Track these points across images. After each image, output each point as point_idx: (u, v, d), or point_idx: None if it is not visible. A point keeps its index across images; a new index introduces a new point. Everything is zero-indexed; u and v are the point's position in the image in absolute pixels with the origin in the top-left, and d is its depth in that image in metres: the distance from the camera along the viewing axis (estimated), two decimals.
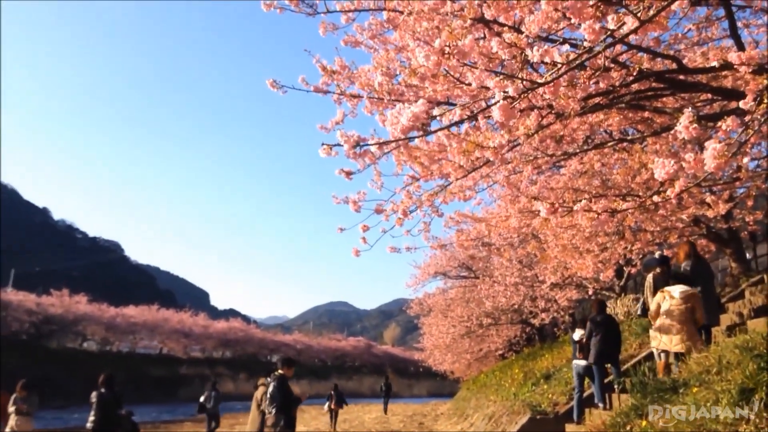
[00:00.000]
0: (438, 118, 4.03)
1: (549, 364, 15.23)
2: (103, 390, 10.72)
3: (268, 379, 9.08)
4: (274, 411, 8.46)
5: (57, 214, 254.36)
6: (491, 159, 4.77)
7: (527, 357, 20.89)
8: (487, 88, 3.77)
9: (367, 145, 4.02)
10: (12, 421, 11.26)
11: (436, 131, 4.15)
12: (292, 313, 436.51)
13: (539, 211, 5.38)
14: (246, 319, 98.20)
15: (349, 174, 4.72)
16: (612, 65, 4.44)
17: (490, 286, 20.58)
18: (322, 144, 4.12)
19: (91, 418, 10.62)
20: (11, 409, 11.34)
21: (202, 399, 18.32)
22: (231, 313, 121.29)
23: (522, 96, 3.49)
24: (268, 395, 8.62)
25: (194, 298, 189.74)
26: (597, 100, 4.93)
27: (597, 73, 4.00)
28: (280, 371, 8.91)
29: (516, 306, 21.57)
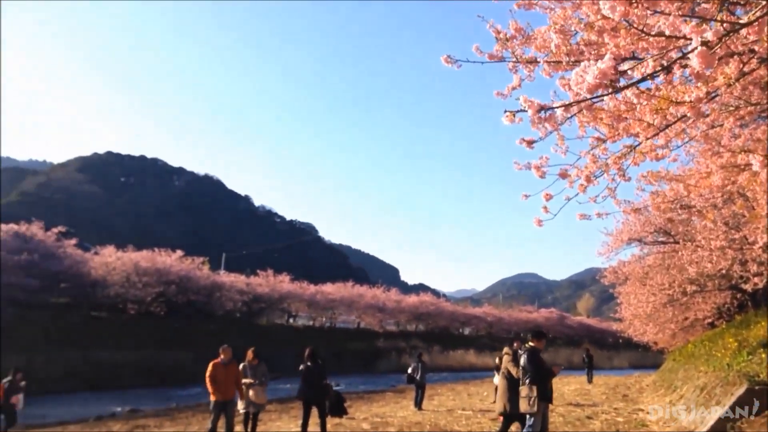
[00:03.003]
0: (629, 71, 3.79)
1: (766, 331, 13.97)
2: (309, 363, 11.55)
3: (520, 351, 9.25)
4: (528, 382, 8.63)
5: (257, 201, 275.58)
6: (687, 114, 4.41)
7: (740, 325, 19.34)
8: (679, 37, 3.49)
9: (552, 108, 3.87)
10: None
11: (625, 87, 3.88)
12: (480, 287, 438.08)
13: (746, 165, 4.89)
14: (435, 293, 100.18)
15: (530, 143, 4.60)
16: None
17: (692, 251, 19.17)
18: (505, 111, 4.04)
19: (301, 388, 11.51)
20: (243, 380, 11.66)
21: (410, 370, 19.09)
22: (421, 288, 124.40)
23: (723, 40, 3.18)
24: (521, 367, 8.80)
25: (385, 274, 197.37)
26: None
27: None
28: (530, 343, 9.03)
29: (724, 271, 19.90)
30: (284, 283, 57.23)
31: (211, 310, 48.68)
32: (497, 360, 21.85)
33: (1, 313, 29.76)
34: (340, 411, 12.02)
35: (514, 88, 4.98)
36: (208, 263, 52.58)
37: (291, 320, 60.59)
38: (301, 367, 11.55)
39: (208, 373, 11.03)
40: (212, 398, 11.06)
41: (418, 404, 18.58)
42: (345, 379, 31.64)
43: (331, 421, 12.05)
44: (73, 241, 43.33)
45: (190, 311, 46.77)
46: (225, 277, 53.91)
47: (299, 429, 11.50)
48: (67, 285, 40.41)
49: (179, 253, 47.90)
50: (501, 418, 9.99)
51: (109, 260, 42.88)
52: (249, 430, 11.79)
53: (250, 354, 12.10)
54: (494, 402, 19.64)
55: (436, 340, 60.60)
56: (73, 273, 40.35)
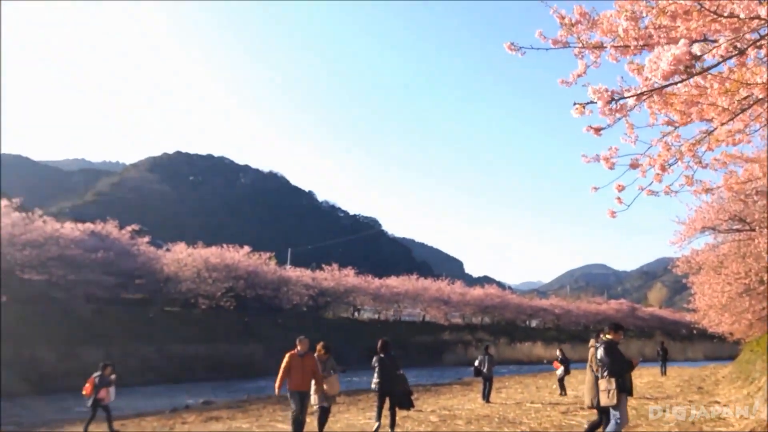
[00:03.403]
0: (703, 56, 3.66)
1: None
2: (382, 355, 11.64)
3: (597, 344, 9.22)
4: (606, 375, 8.60)
5: (321, 196, 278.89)
6: (760, 96, 4.24)
7: None
8: (753, 18, 3.36)
9: (624, 98, 3.77)
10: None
11: (700, 72, 3.75)
12: (547, 278, 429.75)
13: None
14: (501, 285, 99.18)
15: (598, 130, 4.50)
16: None
17: None
18: (574, 104, 3.96)
19: (375, 379, 11.58)
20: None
21: (477, 363, 19.03)
22: (485, 280, 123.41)
23: None
24: (598, 360, 8.78)
25: (449, 267, 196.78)
26: None
27: None
28: (608, 336, 8.99)
29: None
30: (349, 277, 57.81)
31: (279, 305, 49.64)
32: (558, 352, 21.83)
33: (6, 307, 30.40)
34: (407, 404, 12.05)
35: (579, 75, 4.88)
36: (275, 258, 53.53)
37: (356, 314, 61.19)
38: (375, 358, 11.64)
39: (283, 364, 10.92)
40: (288, 387, 10.89)
41: (486, 397, 18.50)
42: (411, 372, 31.63)
43: (399, 414, 12.06)
44: (146, 239, 44.84)
45: (259, 305, 47.89)
46: (291, 271, 54.93)
47: (368, 421, 11.60)
48: (141, 281, 41.94)
49: (247, 249, 48.95)
50: (594, 410, 9.89)
51: (181, 257, 44.14)
52: (318, 424, 11.53)
53: (320, 348, 11.85)
54: (562, 394, 19.60)
55: (502, 333, 60.08)
56: (147, 270, 41.77)
